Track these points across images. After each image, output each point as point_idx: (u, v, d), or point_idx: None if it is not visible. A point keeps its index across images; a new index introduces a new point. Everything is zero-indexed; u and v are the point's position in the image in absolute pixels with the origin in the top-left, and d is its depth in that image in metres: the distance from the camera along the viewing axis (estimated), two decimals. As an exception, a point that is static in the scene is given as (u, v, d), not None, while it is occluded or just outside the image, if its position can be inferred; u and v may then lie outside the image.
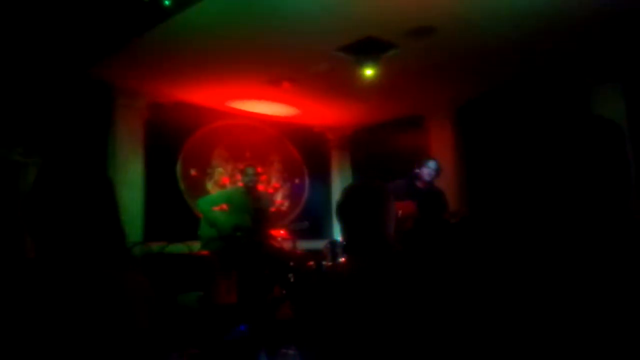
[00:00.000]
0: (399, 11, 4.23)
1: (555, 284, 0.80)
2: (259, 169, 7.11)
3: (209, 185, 6.81)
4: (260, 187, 6.94)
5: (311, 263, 5.66)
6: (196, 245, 5.30)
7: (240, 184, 5.59)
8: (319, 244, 6.22)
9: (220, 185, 6.87)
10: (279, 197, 7.53)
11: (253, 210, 5.22)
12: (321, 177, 8.16)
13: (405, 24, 4.46)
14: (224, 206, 5.26)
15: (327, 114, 7.49)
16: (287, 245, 5.48)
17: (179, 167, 6.58)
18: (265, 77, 5.78)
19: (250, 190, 5.36)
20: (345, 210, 1.65)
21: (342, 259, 5.01)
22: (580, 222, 0.87)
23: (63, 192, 1.16)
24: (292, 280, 5.13)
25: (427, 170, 4.41)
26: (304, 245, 5.85)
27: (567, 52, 5.13)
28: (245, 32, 4.60)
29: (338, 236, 6.21)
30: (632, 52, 5.04)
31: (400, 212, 4.07)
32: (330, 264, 5.36)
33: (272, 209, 7.00)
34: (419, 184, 4.43)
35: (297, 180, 7.83)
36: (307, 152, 7.98)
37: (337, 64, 5.25)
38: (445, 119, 6.87)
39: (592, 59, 5.28)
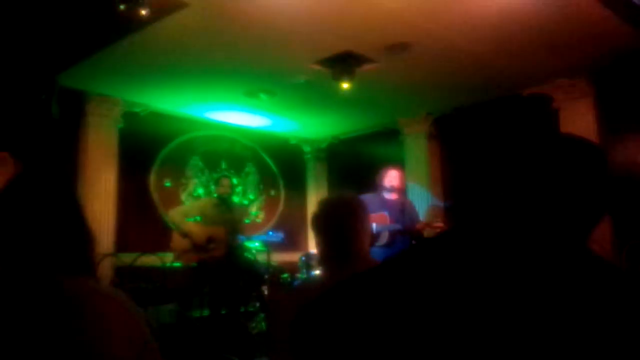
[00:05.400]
0: (375, 27, 4.29)
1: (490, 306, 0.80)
2: (234, 181, 7.07)
3: (183, 196, 6.73)
4: (235, 199, 6.89)
5: (285, 276, 5.64)
6: (169, 257, 5.23)
7: (214, 195, 5.55)
8: (294, 257, 6.20)
9: (195, 196, 6.79)
10: (254, 209, 7.49)
11: (227, 222, 5.17)
12: (297, 189, 8.15)
13: (382, 39, 4.52)
14: (198, 217, 5.20)
15: (303, 126, 7.51)
16: (261, 257, 5.45)
17: (152, 178, 6.49)
18: (242, 88, 5.77)
19: (224, 201, 5.32)
20: (321, 223, 1.65)
21: (317, 272, 5.00)
22: (534, 250, 0.87)
23: (26, 204, 1.13)
24: (266, 292, 5.10)
25: (388, 178, 4.47)
26: (278, 257, 5.83)
27: (539, 68, 5.27)
28: (222, 44, 4.60)
29: (313, 249, 6.20)
30: (603, 70, 5.21)
31: (374, 224, 4.10)
32: (304, 276, 5.34)
33: (247, 221, 6.95)
34: (388, 196, 4.48)
35: (272, 192, 7.81)
36: (283, 164, 7.96)
37: (315, 77, 5.28)
38: (419, 133, 6.96)
39: (563, 75, 5.43)
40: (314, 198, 7.99)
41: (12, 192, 1.13)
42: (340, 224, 1.61)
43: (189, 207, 5.69)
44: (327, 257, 1.63)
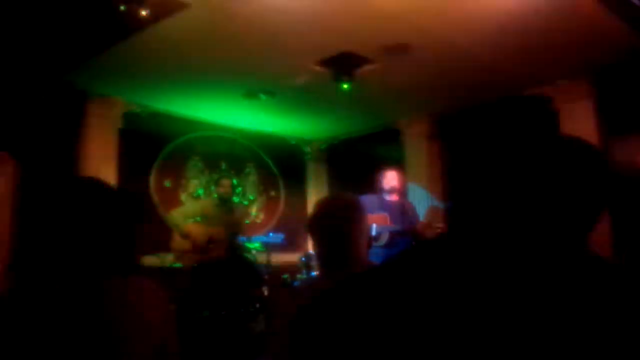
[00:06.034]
0: (375, 28, 4.29)
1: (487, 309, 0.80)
2: (234, 181, 7.07)
3: (183, 197, 6.73)
4: (235, 199, 6.89)
5: (285, 276, 5.63)
6: (169, 258, 5.23)
7: (214, 195, 5.55)
8: (294, 257, 6.20)
9: (195, 197, 6.79)
10: (254, 210, 7.49)
11: (227, 223, 5.18)
12: (297, 189, 8.15)
13: (382, 40, 4.52)
14: (198, 218, 5.21)
15: (303, 127, 7.51)
16: (261, 258, 5.45)
17: (152, 178, 6.49)
18: (242, 89, 5.77)
19: (224, 202, 5.33)
20: (318, 224, 1.65)
21: (317, 273, 5.00)
22: (534, 252, 0.87)
23: (67, 203, 1.14)
24: (265, 293, 5.10)
25: (387, 179, 4.49)
26: (278, 258, 5.82)
27: (539, 69, 5.27)
28: (222, 45, 4.60)
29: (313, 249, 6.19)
30: (602, 71, 5.21)
31: (374, 225, 4.11)
32: (305, 277, 5.34)
33: (247, 221, 6.95)
34: (388, 197, 4.48)
35: (272, 193, 7.80)
36: (283, 164, 7.96)
37: (315, 77, 5.28)
38: (420, 133, 6.96)
39: (563, 76, 5.43)
40: (314, 198, 7.98)
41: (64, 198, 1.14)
42: (337, 226, 1.60)
43: (189, 208, 5.70)
44: (324, 260, 1.63)
